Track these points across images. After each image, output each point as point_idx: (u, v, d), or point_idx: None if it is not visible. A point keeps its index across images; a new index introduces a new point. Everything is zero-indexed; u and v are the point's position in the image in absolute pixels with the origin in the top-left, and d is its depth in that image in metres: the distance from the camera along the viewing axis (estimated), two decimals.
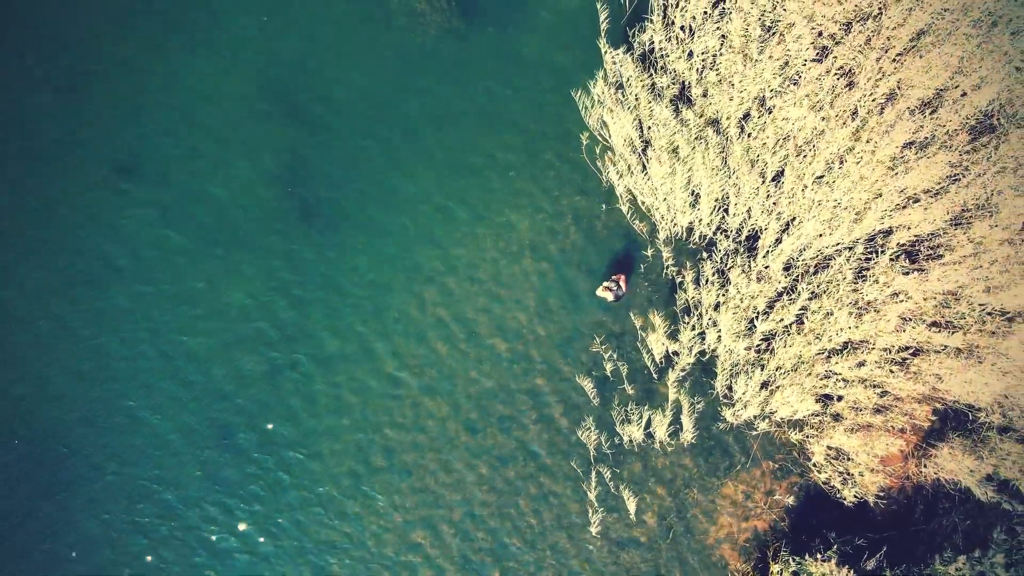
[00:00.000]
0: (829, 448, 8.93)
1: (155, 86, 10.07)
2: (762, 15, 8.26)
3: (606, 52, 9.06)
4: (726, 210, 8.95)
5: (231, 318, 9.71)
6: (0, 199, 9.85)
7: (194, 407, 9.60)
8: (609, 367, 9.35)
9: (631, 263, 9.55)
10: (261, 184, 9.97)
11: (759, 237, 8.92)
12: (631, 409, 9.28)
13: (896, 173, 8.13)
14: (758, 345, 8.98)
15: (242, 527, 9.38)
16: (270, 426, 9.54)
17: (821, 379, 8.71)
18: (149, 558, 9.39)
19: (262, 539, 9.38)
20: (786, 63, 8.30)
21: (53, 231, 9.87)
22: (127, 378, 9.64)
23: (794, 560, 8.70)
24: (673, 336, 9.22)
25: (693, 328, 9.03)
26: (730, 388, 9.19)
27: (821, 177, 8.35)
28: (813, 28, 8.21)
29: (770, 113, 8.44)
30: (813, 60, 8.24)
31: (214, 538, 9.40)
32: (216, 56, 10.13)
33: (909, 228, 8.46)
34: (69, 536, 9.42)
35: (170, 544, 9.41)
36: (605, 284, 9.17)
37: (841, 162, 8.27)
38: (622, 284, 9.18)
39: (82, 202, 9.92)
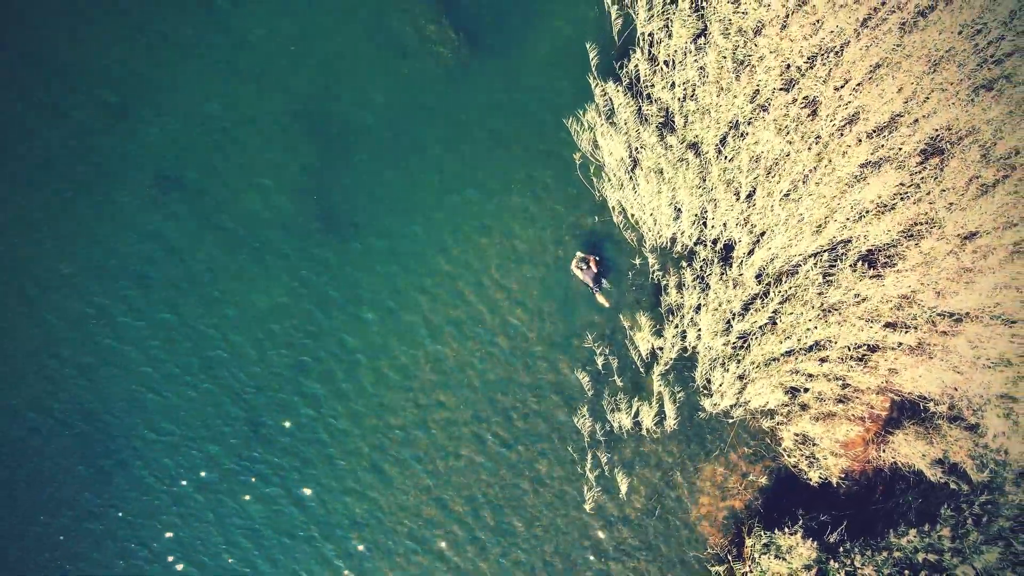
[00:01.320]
0: (797, 434, 9.96)
1: (197, 109, 11.13)
2: (735, 50, 9.27)
3: (596, 84, 10.08)
4: (705, 223, 9.97)
5: (259, 316, 10.79)
6: (57, 206, 10.95)
7: (227, 399, 10.69)
8: (601, 362, 10.39)
9: (618, 266, 10.59)
10: (289, 196, 11.03)
11: (734, 247, 9.94)
12: (621, 399, 10.32)
13: (854, 190, 9.13)
14: (734, 343, 10.00)
15: (273, 507, 10.50)
16: (288, 424, 10.63)
17: (790, 373, 9.73)
18: (169, 534, 10.51)
19: (293, 513, 10.49)
20: (756, 92, 9.30)
21: (102, 237, 10.97)
22: (162, 367, 10.75)
23: (765, 534, 9.74)
24: (658, 334, 10.25)
25: (676, 327, 10.06)
26: (709, 381, 10.23)
27: (788, 194, 9.36)
28: (781, 61, 9.21)
29: (743, 138, 9.44)
30: (780, 89, 9.24)
31: (240, 519, 10.52)
32: (250, 81, 11.19)
33: (867, 239, 9.47)
34: (108, 492, 10.56)
35: (196, 520, 10.52)
36: (576, 260, 10.19)
37: (805, 181, 9.27)
38: (592, 264, 10.22)
39: (128, 211, 11.00)
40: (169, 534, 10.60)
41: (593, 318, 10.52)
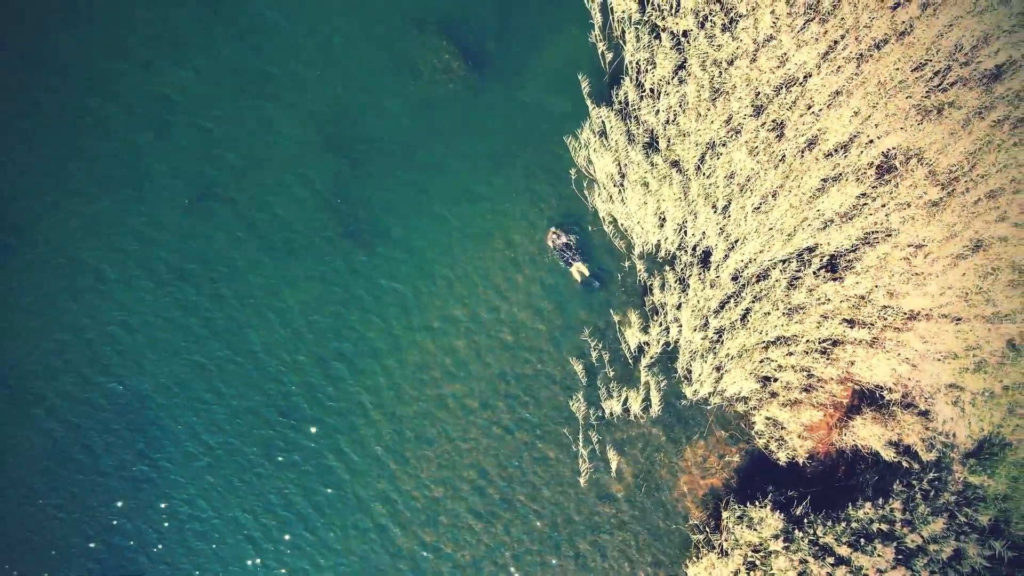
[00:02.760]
0: (767, 419, 11.13)
1: (231, 128, 12.37)
2: (711, 80, 10.46)
3: (590, 107, 11.29)
4: (686, 232, 11.16)
5: (287, 314, 12.02)
6: (110, 216, 12.21)
7: (255, 392, 11.93)
8: (594, 354, 11.60)
9: (608, 269, 11.79)
10: (314, 206, 12.25)
11: (712, 253, 11.13)
12: (612, 388, 11.52)
13: (817, 202, 10.30)
14: (711, 337, 11.19)
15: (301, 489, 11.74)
16: (315, 409, 11.88)
17: (761, 364, 10.91)
18: (210, 476, 11.75)
19: (324, 490, 11.73)
20: (730, 117, 10.50)
21: (149, 243, 12.22)
22: (206, 354, 12.01)
23: (740, 507, 10.92)
24: (645, 330, 11.44)
25: (660, 324, 11.26)
26: (689, 371, 11.42)
27: (758, 207, 10.54)
28: (751, 89, 10.40)
29: (719, 157, 10.64)
30: (751, 115, 10.42)
31: (273, 497, 11.76)
32: (280, 103, 12.43)
33: (829, 245, 10.64)
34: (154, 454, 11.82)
35: (228, 494, 11.77)
36: (550, 233, 11.52)
37: (774, 195, 10.46)
38: (562, 237, 11.47)
39: (171, 221, 12.26)
40: (210, 477, 11.86)
41: (587, 315, 11.73)
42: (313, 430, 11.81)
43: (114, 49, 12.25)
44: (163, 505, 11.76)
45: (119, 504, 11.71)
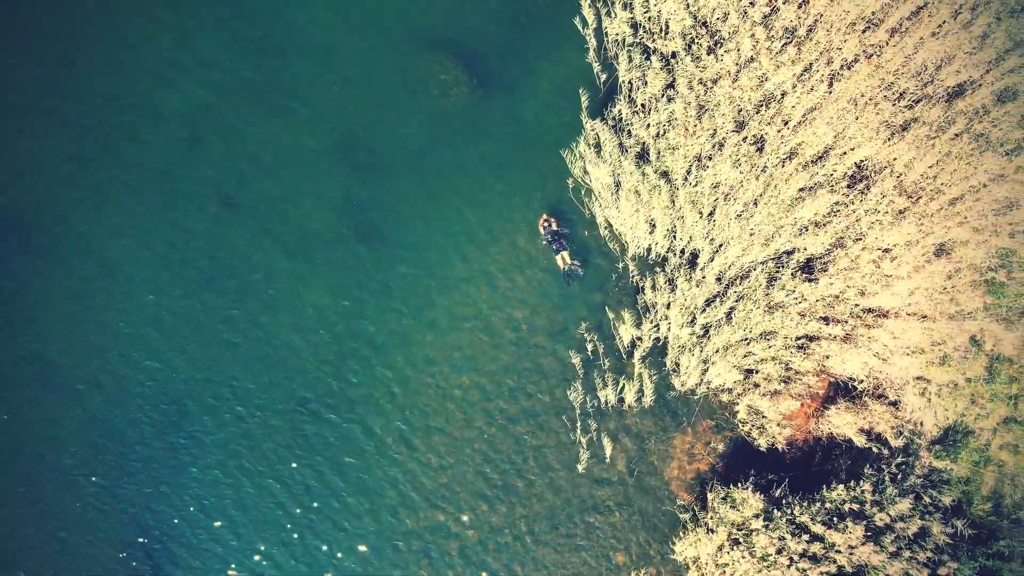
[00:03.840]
0: (749, 408, 12.04)
1: (254, 140, 13.33)
2: (697, 98, 11.37)
3: (587, 122, 12.21)
4: (674, 236, 12.07)
5: (306, 311, 12.96)
6: (142, 222, 13.18)
7: (277, 387, 12.88)
8: (590, 348, 12.52)
9: (603, 270, 12.71)
10: (330, 212, 13.19)
11: (698, 256, 12.04)
12: (607, 380, 12.44)
13: (795, 209, 11.21)
14: (698, 333, 12.10)
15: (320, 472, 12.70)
16: (331, 400, 12.82)
17: (743, 358, 11.82)
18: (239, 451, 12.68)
19: (339, 476, 12.69)
20: (715, 132, 11.41)
21: (176, 249, 13.18)
22: (231, 352, 12.97)
23: (723, 489, 11.84)
24: (637, 326, 12.36)
25: (651, 321, 12.17)
26: (678, 364, 12.33)
27: (741, 214, 11.45)
28: (734, 107, 11.31)
29: (705, 168, 11.55)
30: (734, 130, 11.33)
31: (293, 481, 12.72)
32: (300, 117, 13.39)
33: (806, 249, 11.54)
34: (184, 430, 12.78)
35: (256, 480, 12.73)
36: (541, 220, 12.40)
37: (755, 203, 11.37)
38: (553, 224, 12.34)
39: (198, 226, 13.21)
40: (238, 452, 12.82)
41: (584, 312, 12.65)
42: (321, 436, 12.76)
43: (147, 70, 13.23)
44: (194, 470, 12.62)
45: (160, 469, 12.63)
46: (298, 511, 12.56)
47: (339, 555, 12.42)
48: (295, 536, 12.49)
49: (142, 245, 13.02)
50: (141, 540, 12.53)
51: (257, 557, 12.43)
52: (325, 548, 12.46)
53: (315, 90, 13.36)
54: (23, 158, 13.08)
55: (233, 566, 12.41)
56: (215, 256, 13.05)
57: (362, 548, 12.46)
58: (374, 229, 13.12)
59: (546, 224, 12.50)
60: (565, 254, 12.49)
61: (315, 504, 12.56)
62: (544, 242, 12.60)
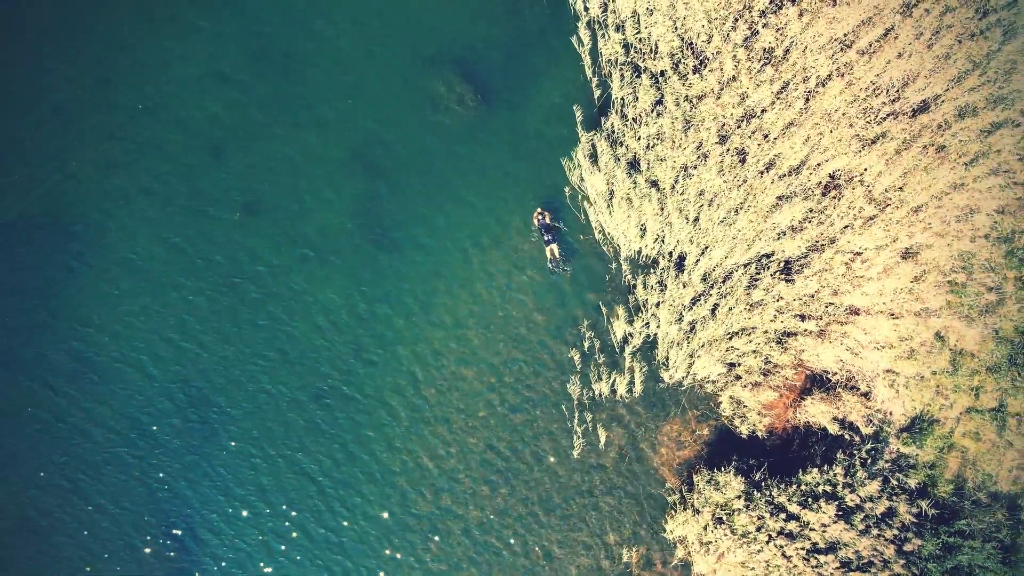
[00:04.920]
0: (732, 399, 13.00)
1: (277, 152, 14.31)
2: (684, 113, 12.33)
3: (583, 134, 13.18)
4: (663, 240, 13.03)
5: (326, 309, 13.94)
6: (182, 229, 14.17)
7: (296, 379, 13.85)
8: (587, 344, 13.48)
9: (597, 271, 13.68)
10: (347, 218, 14.16)
11: (685, 258, 13.00)
12: (602, 373, 13.41)
13: (773, 215, 12.16)
14: (685, 329, 13.06)
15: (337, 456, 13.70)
16: (347, 389, 13.80)
17: (727, 352, 12.77)
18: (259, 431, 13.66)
19: (341, 453, 13.67)
20: (700, 145, 12.37)
21: (206, 256, 14.16)
22: (255, 346, 13.96)
23: (708, 473, 12.80)
24: (629, 323, 13.32)
25: (642, 318, 13.14)
26: (667, 358, 13.28)
27: (724, 220, 12.41)
28: (718, 121, 12.27)
29: (691, 177, 12.51)
30: (717, 143, 12.29)
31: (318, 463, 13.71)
32: (318, 129, 14.36)
33: (784, 252, 12.50)
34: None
35: (284, 467, 13.71)
36: (536, 213, 13.37)
37: (737, 210, 12.33)
38: (546, 217, 13.30)
39: (221, 230, 14.19)
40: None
41: (581, 311, 13.63)
42: (337, 426, 13.75)
43: (176, 85, 14.23)
44: (233, 444, 13.60)
45: (195, 442, 13.60)
46: (325, 481, 13.56)
47: (362, 522, 13.39)
48: (321, 506, 13.45)
49: (170, 245, 14.02)
50: (176, 509, 13.54)
51: (287, 523, 13.42)
52: (347, 514, 13.44)
53: (331, 105, 14.34)
54: (61, 165, 14.08)
55: (263, 531, 13.40)
56: (237, 258, 14.04)
57: (384, 515, 13.39)
58: (386, 233, 14.09)
59: (540, 217, 13.46)
60: (554, 247, 13.44)
61: (339, 476, 13.54)
62: (536, 232, 13.55)
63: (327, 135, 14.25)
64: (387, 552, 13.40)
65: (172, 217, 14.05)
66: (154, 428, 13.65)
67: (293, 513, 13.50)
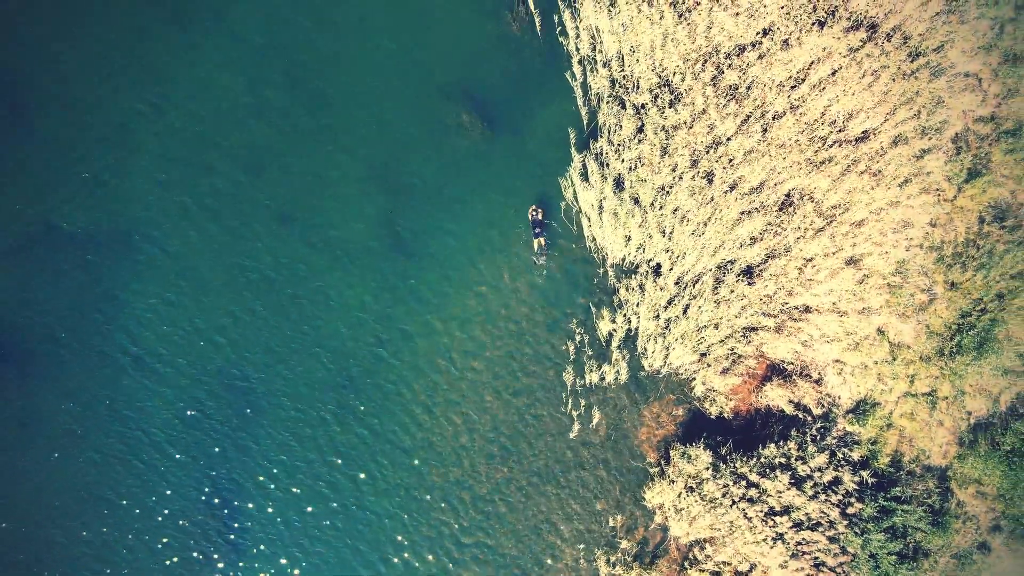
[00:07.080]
0: (703, 384, 15.01)
1: (307, 169, 16.32)
2: (661, 141, 14.34)
3: (576, 155, 15.19)
4: (644, 250, 15.05)
5: (348, 309, 15.97)
6: (218, 238, 16.20)
7: (324, 373, 15.89)
8: (579, 338, 15.50)
9: (587, 274, 15.68)
10: (367, 227, 16.16)
11: (661, 265, 15.01)
12: (592, 363, 15.42)
13: (736, 228, 14.14)
14: (662, 325, 15.06)
15: (356, 433, 15.74)
16: (369, 380, 15.84)
17: (698, 344, 14.77)
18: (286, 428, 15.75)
19: (366, 431, 15.71)
20: (675, 167, 14.37)
21: (239, 263, 16.21)
22: (286, 343, 16.00)
23: (682, 448, 14.81)
24: (613, 320, 15.34)
25: (625, 315, 15.14)
26: (646, 350, 15.30)
27: (694, 232, 14.41)
28: (690, 148, 14.26)
29: (667, 196, 14.51)
30: (689, 167, 14.29)
31: (333, 452, 15.76)
32: (344, 152, 16.38)
33: (745, 259, 14.48)
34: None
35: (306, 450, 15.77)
36: (531, 209, 15.24)
37: (705, 224, 14.33)
38: (539, 214, 15.24)
39: (254, 243, 16.21)
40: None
41: (573, 310, 15.64)
42: (362, 408, 15.81)
43: (221, 112, 16.29)
44: (265, 423, 15.71)
45: (235, 421, 15.68)
46: (340, 461, 15.63)
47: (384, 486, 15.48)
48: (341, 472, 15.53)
49: (216, 255, 16.09)
50: (218, 479, 15.61)
51: (321, 484, 15.50)
52: (364, 476, 15.51)
53: (355, 131, 16.38)
54: (128, 189, 16.15)
55: (297, 487, 15.47)
56: (278, 262, 16.09)
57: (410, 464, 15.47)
58: (403, 242, 16.11)
59: (534, 212, 15.41)
60: (542, 239, 15.42)
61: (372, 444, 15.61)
62: (529, 224, 15.50)
63: (352, 157, 16.26)
64: (405, 517, 15.46)
65: (218, 231, 16.11)
66: (197, 418, 15.73)
67: (340, 462, 15.59)
